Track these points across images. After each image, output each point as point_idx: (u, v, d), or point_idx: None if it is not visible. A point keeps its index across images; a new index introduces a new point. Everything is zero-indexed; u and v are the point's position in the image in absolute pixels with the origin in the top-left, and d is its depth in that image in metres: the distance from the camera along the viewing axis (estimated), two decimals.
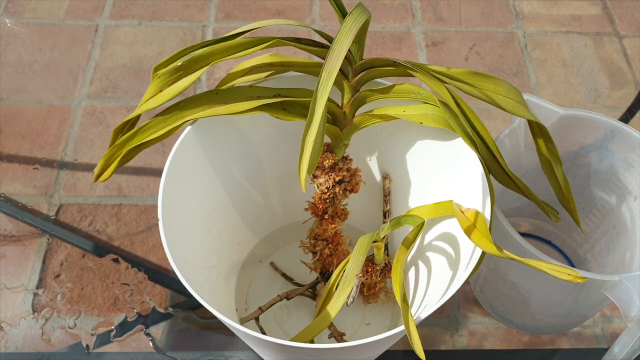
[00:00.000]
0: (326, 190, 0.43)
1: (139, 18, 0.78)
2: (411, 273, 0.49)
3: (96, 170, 0.41)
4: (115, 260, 0.57)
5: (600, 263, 0.54)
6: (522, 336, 0.54)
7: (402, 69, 0.39)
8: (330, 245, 0.47)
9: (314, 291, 0.52)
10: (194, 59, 0.38)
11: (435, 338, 0.54)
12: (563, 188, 0.45)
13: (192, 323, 0.54)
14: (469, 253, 0.39)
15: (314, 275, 0.52)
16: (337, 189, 0.43)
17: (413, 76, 0.39)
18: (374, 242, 0.43)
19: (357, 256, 0.39)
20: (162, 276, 0.57)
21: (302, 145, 0.34)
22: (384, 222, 0.50)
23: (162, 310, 0.54)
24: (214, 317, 0.53)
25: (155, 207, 0.61)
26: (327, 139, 0.44)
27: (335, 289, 0.40)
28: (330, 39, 0.36)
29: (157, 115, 0.40)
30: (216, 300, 0.46)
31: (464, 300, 0.56)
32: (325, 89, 0.34)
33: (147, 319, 0.54)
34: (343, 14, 0.38)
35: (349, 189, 0.44)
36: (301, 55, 0.51)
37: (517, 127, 0.48)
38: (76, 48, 0.74)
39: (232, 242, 0.51)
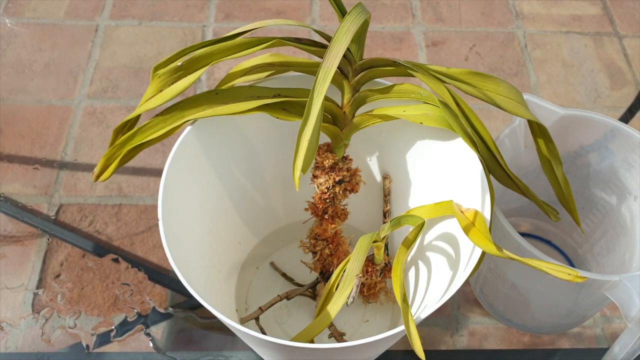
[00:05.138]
0: (326, 190, 0.43)
1: (139, 18, 0.78)
2: (411, 273, 0.49)
3: (96, 170, 0.41)
4: (115, 260, 0.57)
5: (600, 263, 0.54)
6: (522, 336, 0.54)
7: (402, 69, 0.39)
8: (330, 246, 0.47)
9: (314, 291, 0.52)
10: (194, 59, 0.38)
11: (435, 338, 0.54)
12: (563, 188, 0.45)
13: (192, 323, 0.54)
14: (469, 253, 0.39)
15: (314, 275, 0.52)
16: (337, 189, 0.43)
17: (413, 76, 0.39)
18: (374, 242, 0.43)
19: (357, 256, 0.39)
20: (162, 276, 0.57)
21: (297, 144, 0.34)
22: (384, 222, 0.50)
23: (162, 310, 0.54)
24: (214, 317, 0.53)
25: (155, 207, 0.61)
26: (327, 139, 0.44)
27: (336, 289, 0.40)
28: (330, 39, 0.36)
29: (157, 115, 0.40)
30: (216, 300, 0.46)
31: (464, 300, 0.56)
32: (322, 88, 0.34)
33: (147, 319, 0.54)
34: (343, 14, 0.38)
35: (349, 189, 0.44)
36: (301, 55, 0.51)
37: (517, 127, 0.48)
38: (76, 48, 0.74)
39: (232, 242, 0.51)
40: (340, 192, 0.44)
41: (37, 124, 0.67)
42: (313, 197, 0.45)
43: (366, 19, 0.37)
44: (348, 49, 0.39)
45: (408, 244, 0.41)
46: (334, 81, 0.41)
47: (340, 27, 0.35)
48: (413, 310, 0.45)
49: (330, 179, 0.43)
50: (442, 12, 0.80)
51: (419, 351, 0.34)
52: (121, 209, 0.61)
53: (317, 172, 0.44)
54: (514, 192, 0.43)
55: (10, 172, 0.63)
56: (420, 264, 0.47)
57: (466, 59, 0.75)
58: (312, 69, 0.43)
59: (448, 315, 0.55)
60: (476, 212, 0.39)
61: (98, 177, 0.41)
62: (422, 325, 0.54)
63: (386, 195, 0.50)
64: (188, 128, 0.42)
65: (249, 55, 0.39)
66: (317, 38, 0.41)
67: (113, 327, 0.53)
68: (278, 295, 0.49)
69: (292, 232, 0.56)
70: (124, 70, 0.72)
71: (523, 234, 0.56)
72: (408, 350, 0.52)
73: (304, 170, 0.35)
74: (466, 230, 0.38)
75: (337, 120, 0.42)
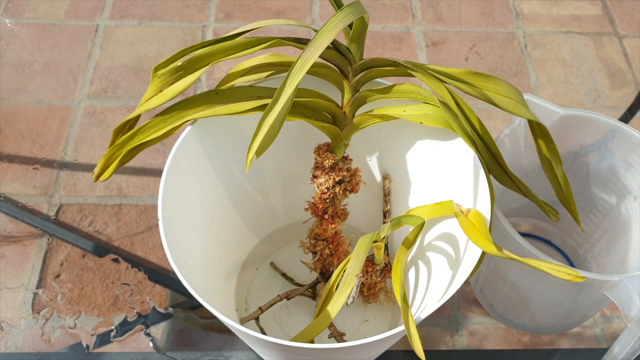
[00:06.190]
0: (326, 190, 0.43)
1: (139, 18, 0.78)
2: (411, 273, 0.49)
3: (96, 170, 0.41)
4: (115, 260, 0.57)
5: (600, 263, 0.54)
6: (522, 336, 0.54)
7: (402, 69, 0.39)
8: (330, 246, 0.47)
9: (314, 291, 0.52)
10: (194, 59, 0.38)
11: (435, 338, 0.54)
12: (563, 188, 0.45)
13: (192, 323, 0.54)
14: (469, 253, 0.39)
15: (314, 275, 0.52)
16: (337, 189, 0.43)
17: (413, 76, 0.39)
18: (374, 242, 0.43)
19: (358, 256, 0.39)
20: (162, 276, 0.57)
21: (258, 127, 0.34)
22: (384, 222, 0.50)
23: (162, 310, 0.54)
24: (214, 317, 0.53)
25: (155, 207, 0.61)
26: (327, 139, 0.44)
27: (336, 289, 0.40)
28: None
29: (157, 115, 0.40)
30: (216, 300, 0.46)
31: (464, 300, 0.56)
32: (296, 77, 0.34)
33: (147, 319, 0.54)
34: None
35: (349, 189, 0.44)
36: None
37: (517, 127, 0.48)
38: (76, 48, 0.74)
39: (232, 242, 0.51)
40: (340, 192, 0.44)
41: (37, 124, 0.67)
42: (313, 197, 0.45)
43: (364, 18, 0.37)
44: (348, 48, 0.39)
45: (408, 244, 0.41)
46: (334, 81, 0.41)
47: (329, 21, 0.35)
48: (413, 310, 0.45)
49: (330, 179, 0.43)
50: (442, 12, 0.80)
51: (419, 351, 0.34)
52: (121, 209, 0.61)
53: (317, 172, 0.44)
54: (514, 192, 0.43)
55: (10, 172, 0.63)
56: (420, 264, 0.47)
57: (466, 59, 0.75)
58: (311, 69, 0.42)
59: (448, 315, 0.55)
60: (476, 212, 0.39)
61: (98, 177, 0.41)
62: (422, 325, 0.54)
63: (386, 195, 0.50)
64: (188, 128, 0.42)
65: (249, 55, 0.39)
66: None
67: (113, 327, 0.53)
68: (278, 295, 0.49)
69: (292, 232, 0.56)
70: (124, 70, 0.72)
71: (523, 234, 0.56)
72: (408, 350, 0.52)
73: (258, 153, 0.34)
74: (466, 230, 0.38)
75: (337, 120, 0.42)
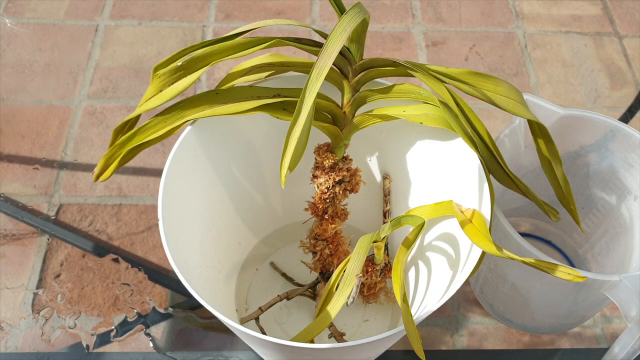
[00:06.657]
0: (326, 190, 0.43)
1: (139, 18, 0.78)
2: (411, 273, 0.49)
3: (96, 170, 0.41)
4: (115, 260, 0.57)
5: (600, 263, 0.54)
6: (522, 336, 0.54)
7: (402, 69, 0.39)
8: (330, 246, 0.47)
9: (314, 291, 0.52)
10: (194, 59, 0.38)
11: (435, 338, 0.54)
12: (563, 188, 0.45)
13: (192, 323, 0.54)
14: (469, 253, 0.39)
15: (314, 275, 0.52)
16: (337, 189, 0.43)
17: (413, 76, 0.39)
18: (374, 242, 0.43)
19: (358, 256, 0.39)
20: (162, 276, 0.57)
21: (285, 142, 0.34)
22: (384, 222, 0.50)
23: (162, 310, 0.54)
24: (214, 317, 0.53)
25: (155, 207, 0.61)
26: (327, 139, 0.44)
27: (336, 289, 0.40)
28: None
29: (157, 115, 0.40)
30: (216, 300, 0.46)
31: (464, 300, 0.56)
32: (314, 87, 0.34)
33: (147, 319, 0.54)
34: (343, 13, 0.38)
35: (349, 189, 0.44)
36: (301, 55, 0.51)
37: (517, 127, 0.48)
38: (76, 48, 0.74)
39: (232, 242, 0.51)
40: (340, 192, 0.44)
41: (37, 124, 0.67)
42: (313, 197, 0.45)
43: (365, 19, 0.37)
44: (348, 49, 0.39)
45: (408, 244, 0.41)
46: (334, 81, 0.41)
47: (337, 26, 0.35)
48: (413, 310, 0.45)
49: (330, 179, 0.43)
50: (442, 12, 0.80)
51: (419, 351, 0.34)
52: (121, 209, 0.61)
53: (317, 172, 0.44)
54: (514, 192, 0.43)
55: (10, 172, 0.63)
56: (420, 264, 0.47)
57: (466, 59, 0.75)
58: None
59: (448, 315, 0.55)
60: (476, 212, 0.39)
61: (98, 177, 0.41)
62: (422, 325, 0.54)
63: (386, 195, 0.50)
64: (188, 128, 0.42)
65: (249, 55, 0.39)
66: (317, 38, 0.41)
67: (113, 327, 0.53)
68: (278, 295, 0.49)
69: (292, 232, 0.56)
70: (124, 70, 0.72)
71: (523, 234, 0.56)
72: (408, 350, 0.52)
73: (290, 168, 0.35)
74: (466, 230, 0.38)
75: (337, 120, 0.42)
